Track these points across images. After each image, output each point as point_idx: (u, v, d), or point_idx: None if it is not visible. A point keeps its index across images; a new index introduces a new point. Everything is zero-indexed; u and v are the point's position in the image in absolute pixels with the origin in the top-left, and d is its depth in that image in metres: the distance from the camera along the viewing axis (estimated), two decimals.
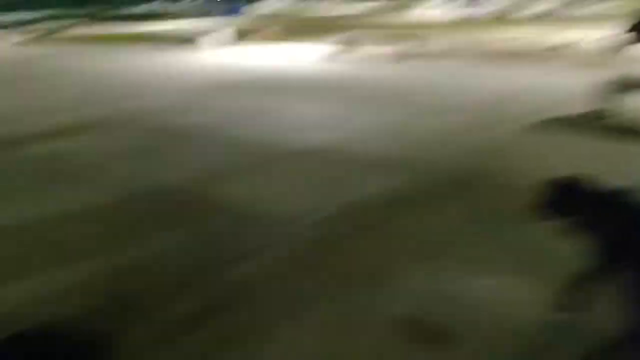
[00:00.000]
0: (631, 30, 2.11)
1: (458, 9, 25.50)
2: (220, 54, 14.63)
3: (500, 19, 21.67)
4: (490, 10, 24.97)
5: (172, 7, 36.56)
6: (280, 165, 5.08)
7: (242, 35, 17.15)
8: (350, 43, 13.80)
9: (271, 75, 10.74)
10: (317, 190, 4.39)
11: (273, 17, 26.67)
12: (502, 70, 10.45)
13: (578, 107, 6.54)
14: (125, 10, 32.33)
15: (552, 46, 14.14)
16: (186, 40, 16.83)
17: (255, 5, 32.80)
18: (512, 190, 3.99)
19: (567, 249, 2.32)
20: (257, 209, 3.95)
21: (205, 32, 17.17)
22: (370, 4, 30.56)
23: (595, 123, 5.99)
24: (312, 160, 5.17)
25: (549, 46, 14.23)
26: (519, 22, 20.27)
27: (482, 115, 6.81)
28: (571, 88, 7.89)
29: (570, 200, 2.14)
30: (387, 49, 13.39)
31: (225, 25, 18.79)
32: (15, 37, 20.72)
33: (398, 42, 13.25)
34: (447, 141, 5.74)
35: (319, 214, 3.83)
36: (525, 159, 4.95)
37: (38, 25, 24.31)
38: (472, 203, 3.92)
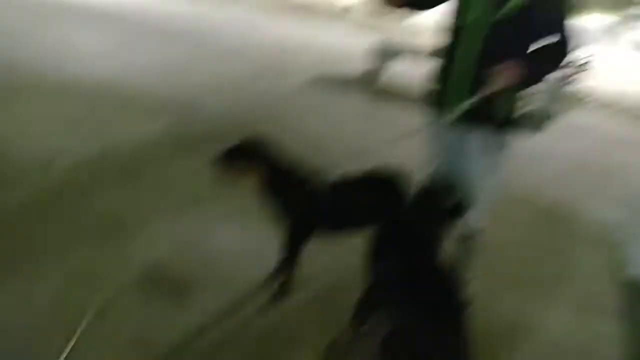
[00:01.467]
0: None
1: None
2: None
3: None
4: None
5: None
6: (39, 100, 4.44)
7: None
8: None
9: None
10: (76, 131, 3.94)
11: None
12: (295, 22, 10.65)
13: (352, 68, 7.03)
14: None
15: (345, 6, 14.94)
16: None
17: None
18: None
19: None
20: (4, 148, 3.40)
21: None
22: None
23: (363, 84, 6.53)
24: (76, 96, 4.62)
25: (342, 6, 15.01)
26: None
27: (265, 66, 6.85)
28: (351, 48, 8.42)
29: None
30: None
31: None
32: None
33: None
34: (225, 90, 5.64)
35: (72, 158, 3.45)
36: (294, 117, 5.12)
37: None
38: None
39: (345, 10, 14.30)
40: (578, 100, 6.96)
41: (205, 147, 3.83)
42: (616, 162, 5.14)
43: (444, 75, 2.22)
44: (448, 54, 2.19)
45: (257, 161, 2.30)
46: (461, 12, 2.12)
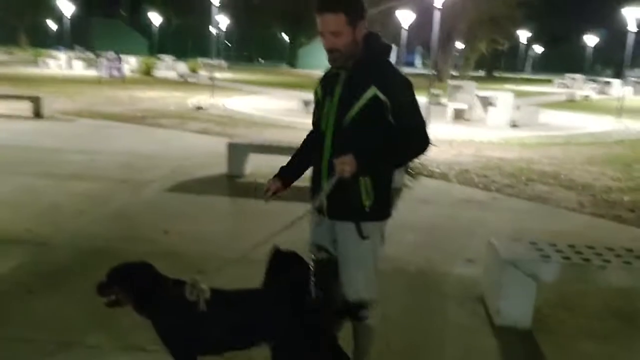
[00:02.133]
0: None
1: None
2: None
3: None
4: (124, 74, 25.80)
5: None
6: None
7: None
8: None
9: None
10: None
11: None
12: (149, 131, 10.68)
13: (211, 169, 7.17)
14: None
15: (196, 106, 15.29)
16: None
17: None
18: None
19: None
20: None
21: None
22: None
23: (225, 184, 6.69)
24: None
25: (193, 107, 15.35)
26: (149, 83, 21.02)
27: (125, 179, 6.71)
28: (204, 149, 8.60)
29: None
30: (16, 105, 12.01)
31: None
32: None
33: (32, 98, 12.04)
34: (81, 211, 5.42)
35: None
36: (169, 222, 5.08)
37: None
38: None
39: (197, 109, 14.65)
40: (420, 171, 7.75)
41: (68, 281, 3.68)
42: (465, 220, 5.76)
43: (315, 169, 2.52)
44: (315, 153, 2.49)
45: (125, 289, 2.31)
46: (319, 121, 2.47)
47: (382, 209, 2.44)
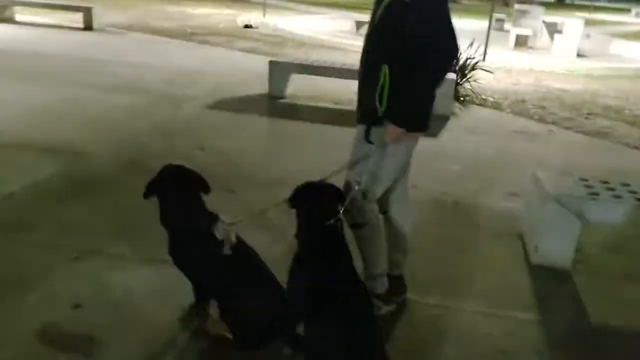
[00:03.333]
0: None
1: None
2: None
3: None
4: None
5: None
6: None
7: None
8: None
9: None
10: None
11: None
12: (197, 47, 10.57)
13: (253, 88, 7.02)
14: None
15: (245, 24, 14.96)
16: None
17: None
18: None
19: None
20: None
21: None
22: None
23: (265, 103, 6.54)
24: None
25: (241, 25, 15.03)
26: None
27: (168, 94, 6.66)
28: (248, 67, 8.42)
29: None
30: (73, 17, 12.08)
31: None
32: None
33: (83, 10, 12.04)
34: (121, 123, 5.43)
35: None
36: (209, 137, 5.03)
37: None
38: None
39: (246, 28, 14.34)
40: (471, 99, 7.32)
41: (99, 191, 3.71)
42: (514, 152, 5.44)
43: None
44: None
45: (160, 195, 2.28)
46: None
47: (399, 119, 2.29)
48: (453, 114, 6.60)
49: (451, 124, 6.27)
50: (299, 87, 7.02)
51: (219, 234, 2.17)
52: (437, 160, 4.95)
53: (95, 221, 3.29)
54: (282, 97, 6.80)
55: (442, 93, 6.38)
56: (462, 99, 7.15)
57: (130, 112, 5.79)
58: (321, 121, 5.93)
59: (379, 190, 2.41)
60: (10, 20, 11.81)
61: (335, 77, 6.69)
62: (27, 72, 7.29)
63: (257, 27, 15.04)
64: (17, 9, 12.26)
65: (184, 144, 4.87)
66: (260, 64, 9.44)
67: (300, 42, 12.97)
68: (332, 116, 6.23)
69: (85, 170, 4.11)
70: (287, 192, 2.32)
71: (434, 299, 2.81)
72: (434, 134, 5.77)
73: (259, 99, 6.75)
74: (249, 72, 8.54)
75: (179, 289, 2.45)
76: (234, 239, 2.19)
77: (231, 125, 5.67)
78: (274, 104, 6.61)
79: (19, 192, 3.62)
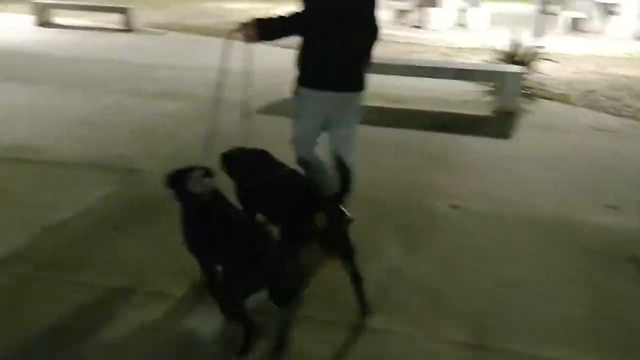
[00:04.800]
0: None
1: None
2: None
3: None
4: None
5: None
6: None
7: None
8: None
9: None
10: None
11: None
12: (237, 43, 10.24)
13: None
14: None
15: None
16: None
17: None
18: None
19: None
20: None
21: None
22: None
23: None
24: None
25: None
26: None
27: (211, 97, 6.34)
28: None
29: None
30: (104, 19, 11.91)
31: None
32: None
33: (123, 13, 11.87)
34: (171, 134, 5.13)
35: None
36: None
37: None
38: None
39: None
40: (537, 92, 6.78)
41: (158, 216, 3.36)
42: (597, 152, 4.93)
43: None
44: None
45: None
46: None
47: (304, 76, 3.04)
48: (521, 109, 6.09)
49: (522, 121, 5.77)
50: None
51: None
52: (517, 164, 4.49)
53: (157, 255, 2.97)
54: None
55: (508, 89, 5.95)
56: (527, 92, 6.61)
57: (178, 120, 5.49)
58: (375, 123, 5.52)
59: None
60: (50, 24, 11.73)
61: (394, 74, 6.27)
62: (69, 78, 7.09)
63: None
64: (56, 11, 12.17)
65: None
66: None
67: None
68: (387, 117, 5.82)
69: (140, 192, 3.80)
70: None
71: (554, 352, 2.36)
72: (507, 135, 5.29)
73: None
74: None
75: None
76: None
77: (287, 132, 5.30)
78: None
79: (72, 219, 3.33)
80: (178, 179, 2.41)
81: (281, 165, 2.87)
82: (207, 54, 9.34)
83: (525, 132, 5.40)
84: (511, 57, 7.16)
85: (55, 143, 4.65)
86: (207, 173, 2.41)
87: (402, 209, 3.65)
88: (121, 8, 11.67)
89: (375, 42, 2.98)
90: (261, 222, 2.59)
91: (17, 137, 4.76)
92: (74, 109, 5.76)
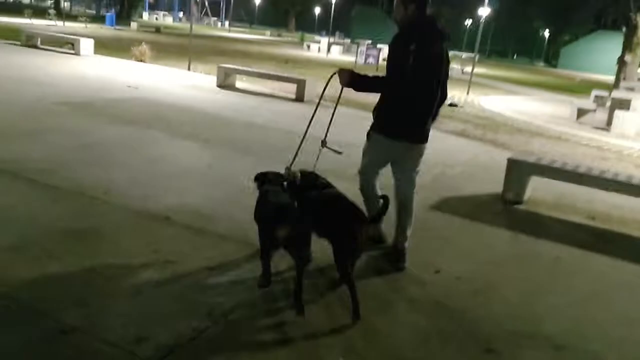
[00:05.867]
0: None
1: None
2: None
3: None
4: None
5: None
6: None
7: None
8: None
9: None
10: None
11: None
12: None
13: (481, 185, 5.94)
14: None
15: (449, 103, 14.20)
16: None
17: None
18: None
19: None
20: None
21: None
22: None
23: (500, 210, 5.38)
24: None
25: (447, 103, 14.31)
26: None
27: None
28: (466, 155, 7.39)
29: None
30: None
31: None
32: None
33: None
34: None
35: None
36: None
37: None
38: None
39: None
40: None
41: None
42: None
43: None
44: None
45: None
46: None
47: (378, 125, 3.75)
48: None
49: None
50: (538, 189, 5.83)
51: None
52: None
53: None
54: (520, 202, 5.63)
55: None
56: None
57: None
58: (575, 244, 4.64)
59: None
60: (232, 87, 12.45)
61: (595, 187, 5.37)
62: (240, 143, 7.13)
63: (462, 106, 14.16)
64: (239, 76, 12.95)
65: (415, 264, 3.91)
66: (478, 151, 8.48)
67: (515, 127, 11.71)
68: (588, 237, 4.90)
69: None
70: None
71: None
72: None
73: (491, 202, 5.66)
74: (468, 161, 7.57)
75: None
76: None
77: (465, 237, 4.64)
78: (512, 212, 5.46)
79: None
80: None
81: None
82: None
83: None
84: None
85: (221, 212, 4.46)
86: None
87: None
88: (296, 79, 12.06)
89: (442, 105, 3.77)
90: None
91: (185, 201, 4.66)
92: (242, 176, 5.66)
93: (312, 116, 4.01)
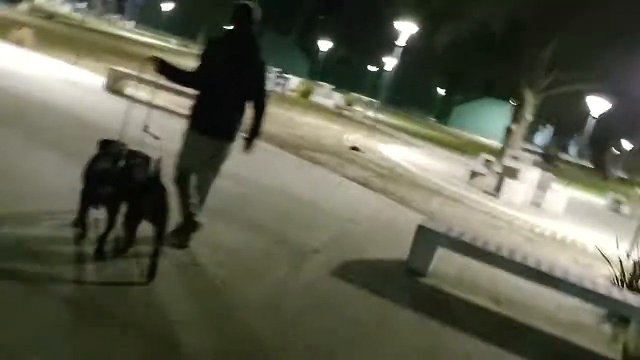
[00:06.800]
0: None
1: None
2: None
3: None
4: None
5: None
6: None
7: None
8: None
9: None
10: None
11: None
12: (308, 167, 9.25)
13: (383, 249, 5.42)
14: None
15: (351, 146, 13.91)
16: None
17: None
18: None
19: None
20: None
21: None
22: None
23: (403, 282, 4.87)
24: None
25: (348, 145, 14.01)
26: None
27: (283, 237, 5.15)
28: (370, 210, 6.92)
29: None
30: None
31: None
32: None
33: None
34: (229, 290, 3.90)
35: None
36: None
37: None
38: None
39: None
40: None
41: None
42: None
43: None
44: None
45: None
46: None
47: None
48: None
49: None
50: (442, 257, 5.39)
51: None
52: None
53: None
54: (423, 275, 5.15)
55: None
56: None
57: (241, 267, 4.22)
58: (485, 337, 4.18)
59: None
60: (121, 93, 11.19)
61: (504, 270, 5.04)
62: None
63: (364, 152, 13.96)
64: (131, 82, 11.69)
65: (309, 336, 3.21)
66: (381, 206, 8.08)
67: (414, 182, 11.59)
68: (496, 327, 4.51)
69: None
70: None
71: None
72: None
73: (394, 270, 5.13)
74: (372, 217, 7.11)
75: None
76: None
77: (368, 315, 4.02)
78: (415, 285, 4.94)
79: None
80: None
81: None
82: (272, 170, 8.34)
83: None
84: (631, 281, 5.94)
85: None
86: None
87: None
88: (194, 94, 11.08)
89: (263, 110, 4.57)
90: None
91: None
92: None
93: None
